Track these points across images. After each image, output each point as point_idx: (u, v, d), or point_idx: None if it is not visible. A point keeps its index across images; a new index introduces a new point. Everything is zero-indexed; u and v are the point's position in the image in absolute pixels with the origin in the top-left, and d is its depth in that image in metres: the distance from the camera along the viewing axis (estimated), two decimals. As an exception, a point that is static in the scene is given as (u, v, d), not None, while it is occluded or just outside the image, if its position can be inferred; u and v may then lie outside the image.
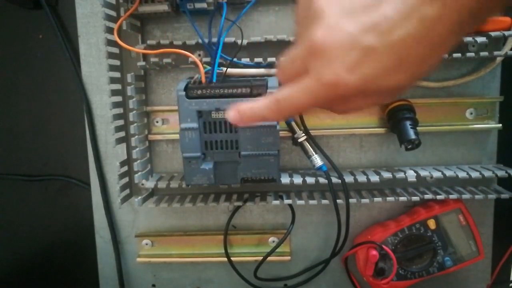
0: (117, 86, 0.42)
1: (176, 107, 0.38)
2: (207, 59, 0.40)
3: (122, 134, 0.43)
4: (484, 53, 0.39)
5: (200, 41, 0.39)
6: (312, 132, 0.43)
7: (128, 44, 0.38)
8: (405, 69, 0.25)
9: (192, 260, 0.47)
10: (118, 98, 0.42)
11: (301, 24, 0.28)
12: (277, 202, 0.43)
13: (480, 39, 0.38)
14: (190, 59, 0.38)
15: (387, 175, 0.41)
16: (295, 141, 0.41)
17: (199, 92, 0.36)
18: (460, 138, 0.45)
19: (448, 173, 0.41)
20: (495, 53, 0.40)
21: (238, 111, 0.32)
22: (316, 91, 0.27)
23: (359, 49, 0.24)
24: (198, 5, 0.39)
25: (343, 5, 0.25)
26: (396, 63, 0.25)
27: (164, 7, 0.39)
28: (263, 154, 0.37)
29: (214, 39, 0.39)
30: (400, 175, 0.41)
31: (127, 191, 0.44)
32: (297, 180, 0.41)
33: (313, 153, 0.41)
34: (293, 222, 0.46)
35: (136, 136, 0.41)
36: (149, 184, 0.42)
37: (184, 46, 0.38)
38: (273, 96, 0.30)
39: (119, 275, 0.48)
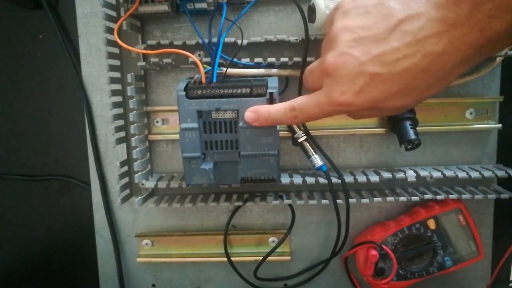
0: (117, 86, 0.42)
1: (176, 107, 0.38)
2: (207, 59, 0.40)
3: (122, 134, 0.43)
4: (484, 53, 0.39)
5: (200, 41, 0.39)
6: (312, 132, 0.43)
7: (128, 44, 0.38)
8: (410, 94, 0.27)
9: (192, 260, 0.47)
10: (118, 98, 0.42)
11: (325, 41, 0.30)
12: (277, 202, 0.43)
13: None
14: (190, 59, 0.38)
15: (387, 175, 0.41)
16: (295, 141, 0.41)
17: (199, 92, 0.36)
18: (460, 138, 0.45)
19: (448, 173, 0.41)
20: (495, 53, 0.40)
21: (256, 112, 0.34)
22: (325, 106, 0.29)
23: (366, 75, 0.26)
24: (198, 5, 0.39)
25: (356, 34, 0.26)
26: (400, 88, 0.26)
27: (164, 7, 0.39)
28: (263, 154, 0.37)
29: (214, 39, 0.39)
30: (400, 175, 0.41)
31: (127, 191, 0.44)
32: (297, 180, 0.41)
33: (313, 153, 0.41)
34: (293, 222, 0.46)
35: (136, 136, 0.41)
36: (149, 184, 0.42)
37: (184, 46, 0.38)
38: (290, 104, 0.32)
39: (119, 275, 0.48)
